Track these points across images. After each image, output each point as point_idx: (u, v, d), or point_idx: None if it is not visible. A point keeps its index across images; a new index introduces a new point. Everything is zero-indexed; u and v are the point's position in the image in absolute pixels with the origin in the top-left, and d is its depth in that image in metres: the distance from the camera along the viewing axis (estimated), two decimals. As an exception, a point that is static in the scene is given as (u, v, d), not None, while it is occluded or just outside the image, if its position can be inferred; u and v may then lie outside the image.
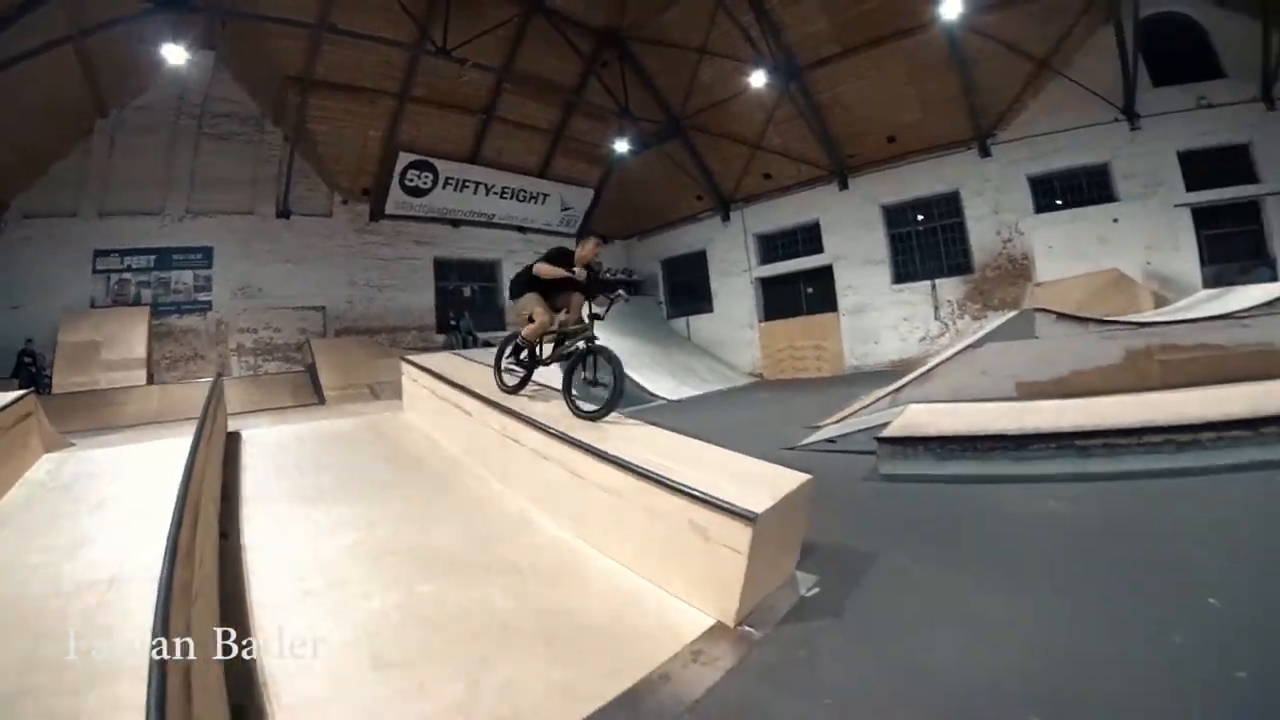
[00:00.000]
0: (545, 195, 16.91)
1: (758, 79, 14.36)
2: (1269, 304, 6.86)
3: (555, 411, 4.10)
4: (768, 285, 16.94)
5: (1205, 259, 14.66)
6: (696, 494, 2.59)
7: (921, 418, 5.35)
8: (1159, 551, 3.04)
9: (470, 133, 15.94)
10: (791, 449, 5.57)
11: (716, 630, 2.39)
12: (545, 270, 4.45)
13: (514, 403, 4.32)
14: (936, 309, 15.41)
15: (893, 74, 14.74)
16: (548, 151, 16.51)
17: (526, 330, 4.61)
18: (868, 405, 6.69)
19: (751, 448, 5.08)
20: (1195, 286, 13.26)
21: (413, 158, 15.41)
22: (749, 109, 15.56)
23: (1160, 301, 12.28)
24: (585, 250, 4.60)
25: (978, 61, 14.81)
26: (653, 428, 3.81)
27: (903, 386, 6.69)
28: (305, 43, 13.28)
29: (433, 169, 15.28)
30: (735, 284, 17.12)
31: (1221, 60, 15.38)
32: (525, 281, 4.60)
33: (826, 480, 4.93)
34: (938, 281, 15.47)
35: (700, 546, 2.53)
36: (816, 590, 2.80)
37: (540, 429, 3.68)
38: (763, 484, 2.77)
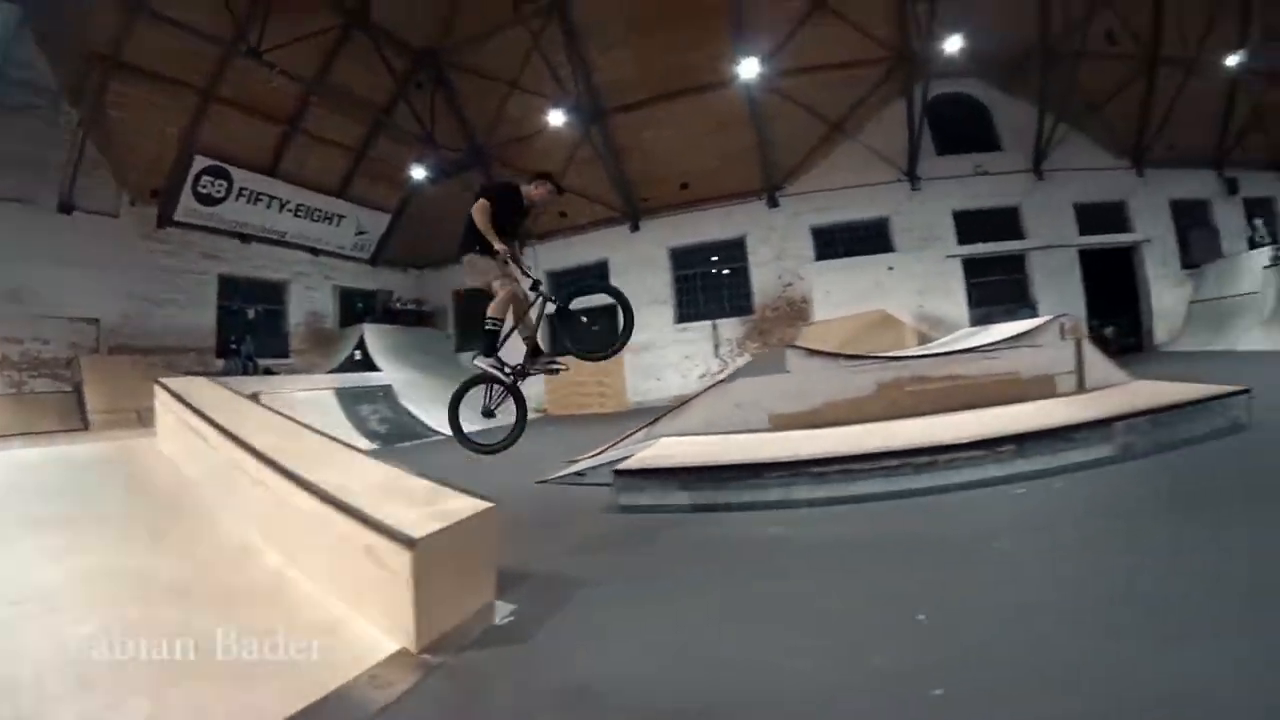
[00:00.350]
0: (341, 217, 16.19)
1: (557, 118, 15.20)
2: (1015, 338, 7.60)
3: (278, 439, 3.99)
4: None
5: (973, 303, 16.30)
6: (364, 516, 2.70)
7: (668, 449, 5.62)
8: (874, 569, 3.13)
9: (272, 143, 15.65)
10: (543, 482, 5.75)
11: (398, 657, 2.48)
12: (483, 218, 3.81)
13: (241, 429, 4.12)
14: (716, 347, 16.33)
15: (693, 124, 15.74)
16: (349, 171, 16.00)
17: (495, 305, 3.92)
18: (624, 439, 6.95)
19: (510, 480, 5.25)
20: (963, 326, 14.67)
21: (209, 162, 14.76)
22: (552, 146, 16.12)
23: (924, 339, 13.37)
24: (539, 190, 4.04)
25: (775, 119, 15.95)
26: (368, 459, 3.80)
27: (657, 420, 7.00)
28: (120, 18, 12.40)
29: (228, 177, 14.58)
30: None
31: (1000, 136, 17.37)
32: (471, 236, 3.91)
33: (564, 512, 5.04)
34: (718, 321, 16.56)
35: (376, 572, 2.64)
36: (511, 619, 2.88)
37: (256, 455, 3.62)
38: (436, 510, 2.90)
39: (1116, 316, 17.72)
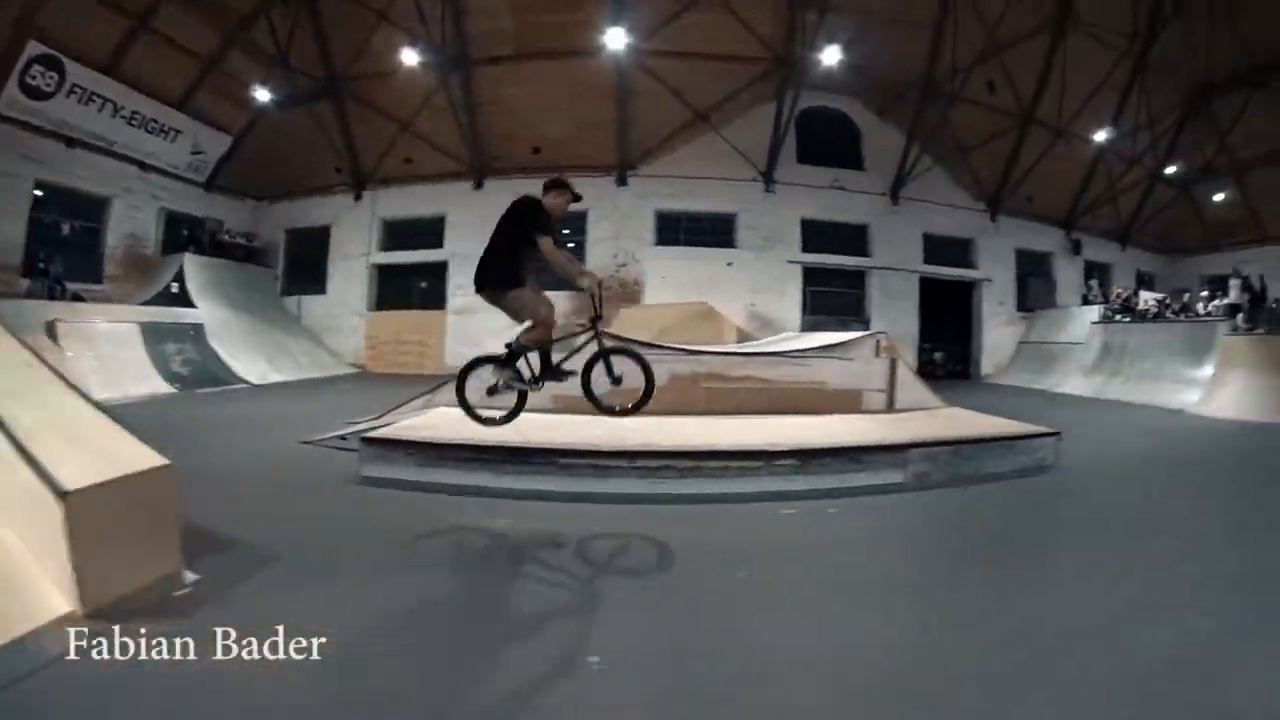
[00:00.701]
0: (178, 132, 15.35)
1: (411, 57, 14.86)
2: (826, 348, 7.53)
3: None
4: (384, 273, 17.72)
5: (807, 309, 16.97)
6: (34, 462, 2.50)
7: (434, 421, 5.42)
8: (576, 589, 2.90)
9: (116, 37, 14.60)
10: (308, 443, 5.47)
11: (66, 619, 2.31)
12: (551, 249, 3.62)
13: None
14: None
15: (557, 89, 15.77)
16: (194, 82, 15.53)
17: (536, 333, 3.77)
18: (404, 405, 6.56)
19: (277, 439, 5.41)
20: (795, 330, 15.33)
21: (43, 50, 13.65)
22: (409, 87, 16.02)
23: (745, 337, 13.68)
24: (559, 200, 3.80)
25: (641, 97, 16.11)
26: (85, 402, 3.27)
27: (439, 387, 6.53)
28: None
29: (61, 70, 14.03)
30: (353, 267, 17.33)
31: (865, 157, 18.07)
32: (513, 266, 3.70)
33: (309, 478, 4.77)
34: (547, 294, 14.60)
35: (45, 524, 2.42)
36: (189, 590, 2.72)
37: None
38: (109, 463, 2.69)
39: (948, 344, 19.07)
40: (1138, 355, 14.55)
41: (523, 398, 3.96)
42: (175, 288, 14.59)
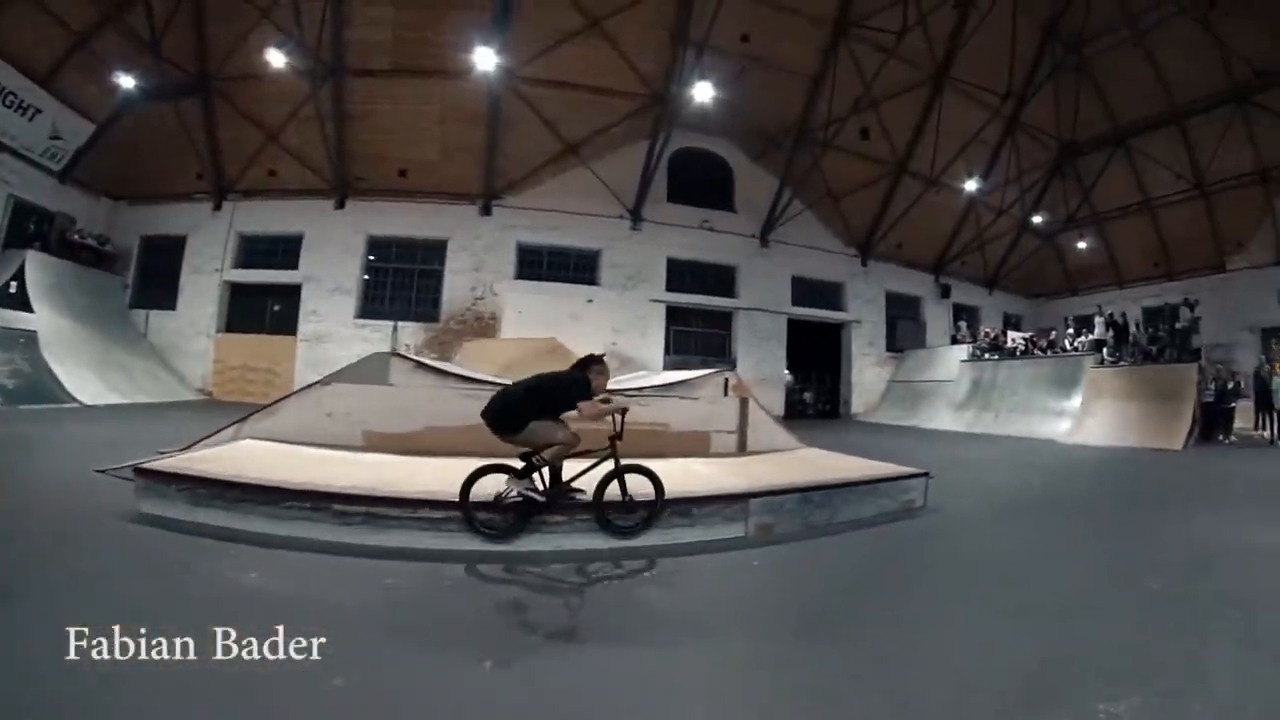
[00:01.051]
0: (39, 111, 14.96)
1: (277, 58, 14.35)
2: (668, 386, 7.29)
3: None
4: (237, 292, 17.58)
5: (671, 349, 17.65)
6: None
7: (231, 453, 5.16)
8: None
9: None
10: (102, 471, 4.82)
11: None
12: (592, 410, 4.12)
13: None
14: (393, 351, 15.70)
15: (429, 109, 16.07)
16: (63, 57, 14.93)
17: (558, 450, 4.09)
18: (213, 435, 6.08)
19: (81, 465, 4.96)
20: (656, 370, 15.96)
21: None
22: (280, 94, 15.92)
23: None
24: (602, 380, 4.29)
25: (514, 126, 16.50)
26: None
27: (247, 418, 6.19)
28: None
29: None
30: (205, 283, 17.17)
31: (736, 199, 18.80)
32: (540, 415, 4.09)
33: (77, 512, 4.33)
34: (401, 324, 16.51)
35: None
36: None
37: None
38: None
39: (818, 384, 20.51)
40: (1007, 390, 16.27)
41: (531, 509, 4.05)
42: (14, 286, 13.79)
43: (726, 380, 7.19)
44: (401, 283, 17.05)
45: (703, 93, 15.55)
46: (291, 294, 16.73)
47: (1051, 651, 2.72)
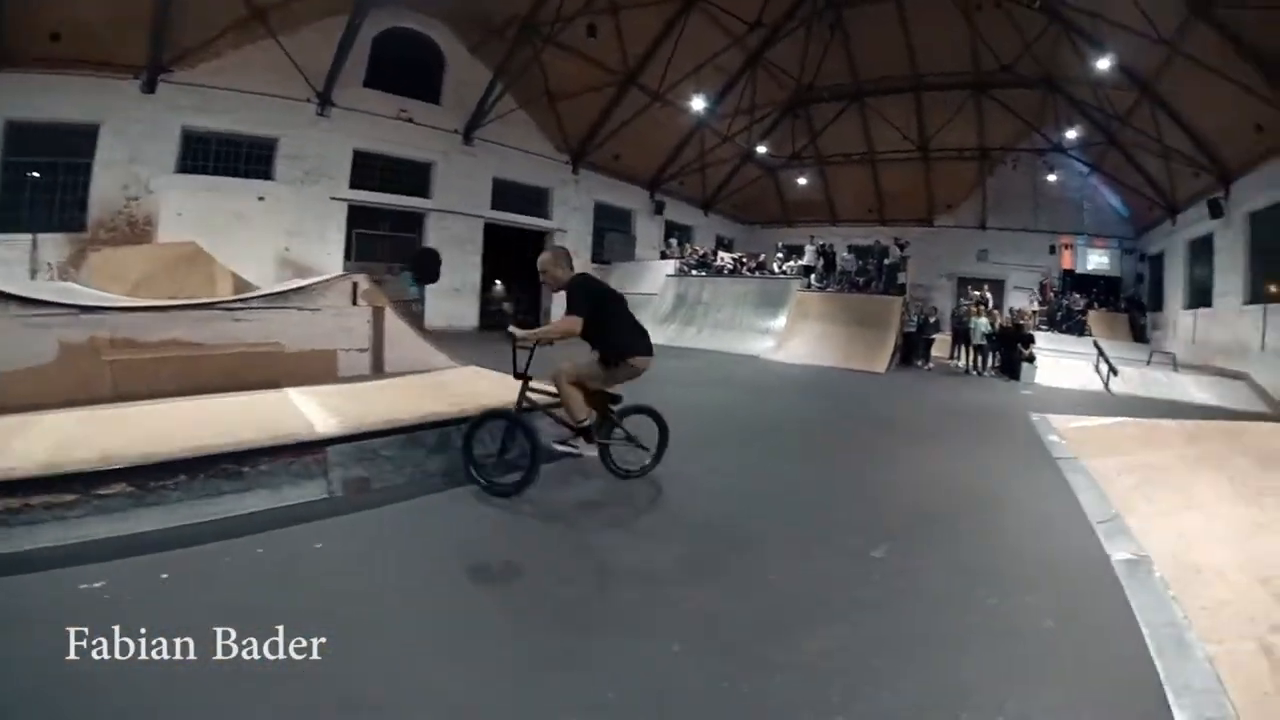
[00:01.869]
0: None
1: None
2: (282, 295, 6.93)
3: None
4: None
5: (353, 255, 19.96)
6: None
7: None
8: None
9: None
10: None
11: None
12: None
13: None
14: (34, 272, 15.17)
15: None
16: None
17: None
18: None
19: None
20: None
21: None
22: None
23: (243, 289, 12.98)
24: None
25: None
26: None
27: None
28: None
29: None
30: None
31: (445, 90, 21.44)
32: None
33: None
34: (42, 236, 15.73)
35: None
36: None
37: None
38: None
39: (520, 294, 24.82)
40: (713, 306, 20.91)
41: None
42: None
43: (355, 285, 6.98)
44: (46, 183, 16.18)
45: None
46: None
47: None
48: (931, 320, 19.29)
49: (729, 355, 17.44)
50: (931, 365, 18.72)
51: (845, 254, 22.33)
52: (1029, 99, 23.21)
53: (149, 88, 17.15)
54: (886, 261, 20.31)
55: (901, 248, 20.03)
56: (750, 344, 18.44)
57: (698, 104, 22.96)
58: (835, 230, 27.14)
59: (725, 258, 23.33)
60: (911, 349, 18.51)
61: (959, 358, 19.08)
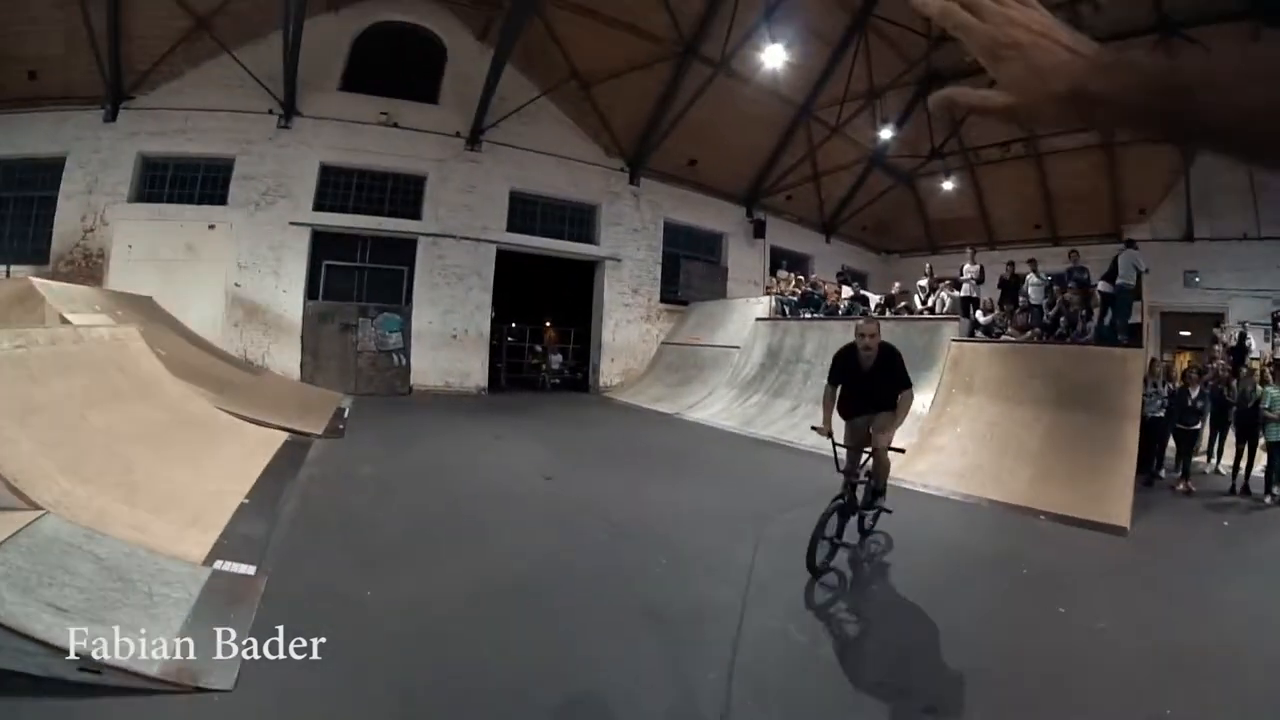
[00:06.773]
0: None
1: None
2: None
3: None
4: None
5: (318, 292, 16.22)
6: None
7: None
8: None
9: None
10: None
11: None
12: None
13: None
14: None
15: None
16: None
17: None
18: None
19: None
20: (297, 323, 15.67)
21: None
22: None
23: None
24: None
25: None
26: None
27: None
28: None
29: None
30: None
31: (444, 87, 16.91)
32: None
33: None
34: (15, 268, 15.02)
35: None
36: None
37: None
38: None
39: (567, 344, 19.31)
40: (816, 366, 12.60)
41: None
42: None
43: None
44: (19, 214, 15.96)
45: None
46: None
47: None
48: (1200, 391, 9.86)
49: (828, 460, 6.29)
50: (1193, 486, 9.49)
51: (1035, 276, 12.23)
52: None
53: (111, 116, 16.25)
54: (1118, 282, 10.47)
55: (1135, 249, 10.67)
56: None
57: (788, 84, 15.64)
58: (993, 256, 16.47)
59: (844, 292, 14.82)
60: (1151, 451, 9.48)
61: (1215, 458, 10.51)
